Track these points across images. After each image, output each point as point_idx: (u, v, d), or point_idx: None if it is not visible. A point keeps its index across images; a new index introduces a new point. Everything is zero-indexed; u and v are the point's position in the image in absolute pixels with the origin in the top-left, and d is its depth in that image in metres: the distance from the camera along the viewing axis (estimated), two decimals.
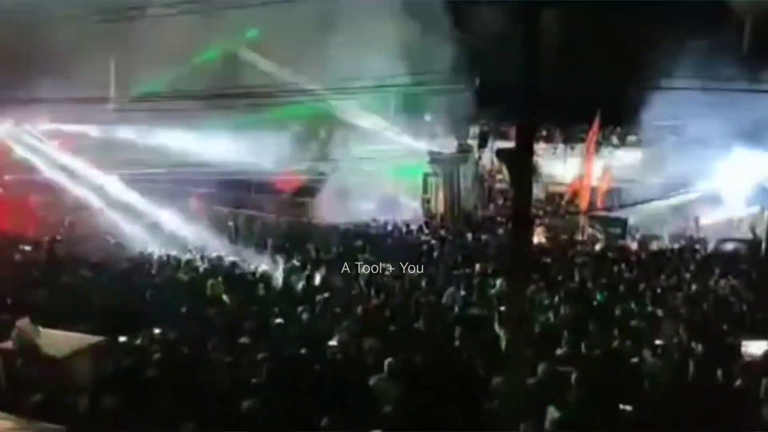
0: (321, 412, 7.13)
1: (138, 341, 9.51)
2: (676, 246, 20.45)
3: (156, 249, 17.52)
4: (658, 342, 9.25)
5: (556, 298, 12.13)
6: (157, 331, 9.95)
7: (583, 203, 23.41)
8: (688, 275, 15.07)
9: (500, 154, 22.43)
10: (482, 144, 25.38)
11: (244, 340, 9.52)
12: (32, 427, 6.15)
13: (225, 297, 12.47)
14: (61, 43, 18.54)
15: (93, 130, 22.57)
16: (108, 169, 20.56)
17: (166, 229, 18.76)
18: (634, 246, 20.31)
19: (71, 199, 20.41)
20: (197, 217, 20.84)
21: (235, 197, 25.48)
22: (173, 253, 16.90)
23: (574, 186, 24.81)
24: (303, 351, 9.01)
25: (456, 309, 11.69)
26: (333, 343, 9.43)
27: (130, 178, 20.53)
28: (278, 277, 14.28)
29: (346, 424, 6.90)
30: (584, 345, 9.10)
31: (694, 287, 13.77)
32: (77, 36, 18.11)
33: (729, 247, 19.97)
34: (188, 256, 16.63)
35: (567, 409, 7.09)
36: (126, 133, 22.66)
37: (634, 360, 8.66)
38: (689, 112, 19.35)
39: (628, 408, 7.11)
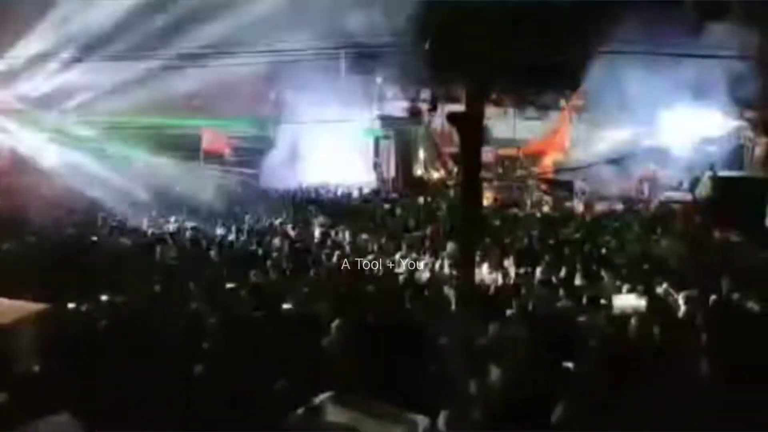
0: (275, 375, 7.17)
1: (83, 308, 9.35)
2: (620, 207, 21.03)
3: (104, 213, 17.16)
4: (602, 301, 9.51)
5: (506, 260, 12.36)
6: (104, 297, 9.81)
7: (539, 166, 23.84)
8: (631, 236, 15.49)
9: (451, 117, 22.47)
10: (433, 107, 25.43)
11: (194, 305, 9.48)
12: None
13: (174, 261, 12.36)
14: None
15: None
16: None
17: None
18: (580, 208, 20.78)
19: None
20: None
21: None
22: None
23: (528, 149, 25.19)
24: (256, 314, 9.01)
25: (406, 272, 11.81)
26: (287, 306, 9.46)
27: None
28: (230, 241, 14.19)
29: (300, 386, 6.95)
30: (531, 305, 9.34)
31: (636, 247, 14.19)
32: None
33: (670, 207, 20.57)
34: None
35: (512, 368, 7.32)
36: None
37: (580, 319, 8.90)
38: (632, 75, 19.73)
39: (570, 365, 7.29)
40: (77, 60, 19.19)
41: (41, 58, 19.43)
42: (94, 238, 14.58)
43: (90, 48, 19.20)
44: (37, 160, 19.74)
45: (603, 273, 11.67)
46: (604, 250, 13.88)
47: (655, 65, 18.04)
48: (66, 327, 8.45)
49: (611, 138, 22.91)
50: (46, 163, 19.73)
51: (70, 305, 9.39)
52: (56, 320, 8.62)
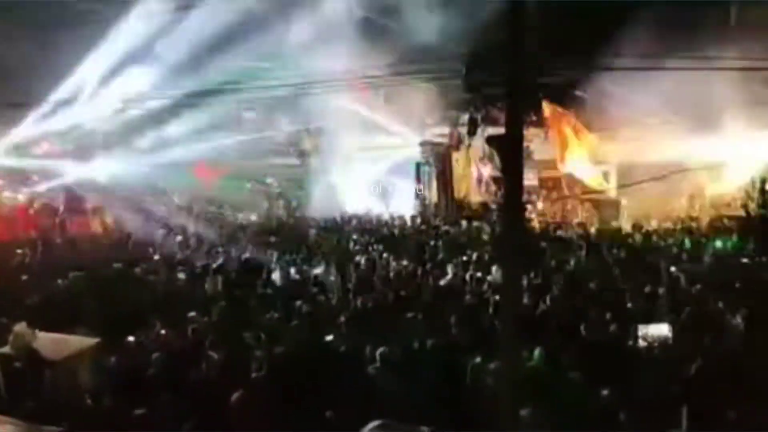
0: (323, 405, 7.17)
1: (134, 341, 9.53)
2: (670, 226, 20.54)
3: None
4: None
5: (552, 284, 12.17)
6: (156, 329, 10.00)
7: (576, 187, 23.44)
8: (685, 256, 15.07)
9: (491, 140, 22.40)
10: (472, 131, 25.35)
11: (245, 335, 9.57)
12: (32, 430, 6.14)
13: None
14: None
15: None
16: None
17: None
18: (628, 227, 20.36)
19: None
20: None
21: None
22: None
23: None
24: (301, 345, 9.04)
25: (452, 297, 11.70)
26: (329, 338, 9.48)
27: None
28: (276, 273, 14.28)
29: (347, 416, 6.93)
30: (583, 329, 9.16)
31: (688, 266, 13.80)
32: None
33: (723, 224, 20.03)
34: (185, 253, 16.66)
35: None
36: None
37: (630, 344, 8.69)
38: (678, 89, 19.40)
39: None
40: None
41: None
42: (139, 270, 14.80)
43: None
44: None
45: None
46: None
47: (701, 78, 17.65)
48: (118, 360, 8.57)
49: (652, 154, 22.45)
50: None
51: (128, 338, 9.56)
52: (108, 354, 8.81)
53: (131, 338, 9.63)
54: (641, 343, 8.53)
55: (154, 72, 20.60)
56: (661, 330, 8.77)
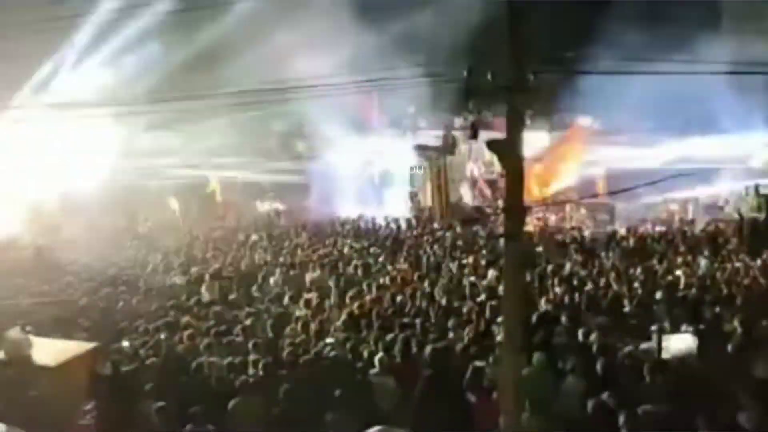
0: (322, 408, 7.14)
1: (128, 345, 9.47)
2: (663, 229, 20.62)
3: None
4: (652, 328, 9.23)
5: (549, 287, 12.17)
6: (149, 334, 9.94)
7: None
8: (679, 259, 15.09)
9: (491, 145, 22.37)
10: (473, 135, 25.26)
11: (238, 339, 9.53)
12: None
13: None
14: None
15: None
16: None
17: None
18: (622, 231, 20.40)
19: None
20: None
21: None
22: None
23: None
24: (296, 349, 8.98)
25: (448, 302, 11.65)
26: (329, 340, 9.43)
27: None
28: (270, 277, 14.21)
29: (346, 420, 6.91)
30: (581, 334, 9.13)
31: (683, 270, 13.81)
32: None
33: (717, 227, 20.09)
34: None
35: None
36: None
37: (628, 348, 8.65)
38: (671, 93, 19.51)
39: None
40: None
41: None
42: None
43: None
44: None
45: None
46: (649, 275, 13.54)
47: (694, 82, 17.72)
48: (114, 365, 8.49)
49: (652, 158, 22.59)
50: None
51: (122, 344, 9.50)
52: (103, 359, 8.73)
53: (126, 343, 9.59)
54: (665, 355, 8.45)
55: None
56: (685, 341, 8.69)
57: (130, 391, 7.79)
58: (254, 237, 19.91)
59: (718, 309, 10.29)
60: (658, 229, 20.82)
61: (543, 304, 11.02)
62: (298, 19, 21.74)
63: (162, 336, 9.83)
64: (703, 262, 14.58)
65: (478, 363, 7.98)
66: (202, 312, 11.42)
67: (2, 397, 7.77)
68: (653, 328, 9.17)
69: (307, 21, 21.76)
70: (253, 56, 20.68)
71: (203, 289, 13.30)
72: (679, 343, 8.63)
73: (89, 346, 8.71)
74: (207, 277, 13.98)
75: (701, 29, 20.18)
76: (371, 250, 17.27)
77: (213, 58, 21.36)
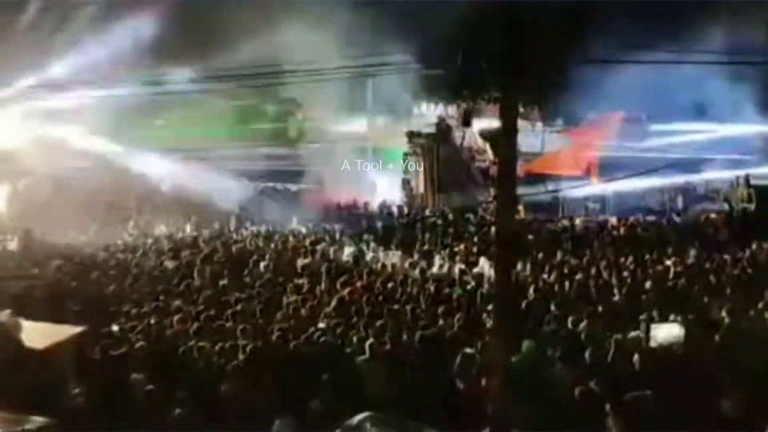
0: (310, 394, 7.15)
1: (117, 330, 9.44)
2: (654, 218, 20.70)
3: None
4: (641, 317, 9.29)
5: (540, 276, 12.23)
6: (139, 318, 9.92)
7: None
8: (670, 249, 15.15)
9: (485, 133, 22.40)
10: (466, 123, 25.22)
11: (228, 324, 9.52)
12: (19, 419, 6.06)
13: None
14: None
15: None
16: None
17: None
18: (613, 220, 20.48)
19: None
20: None
21: None
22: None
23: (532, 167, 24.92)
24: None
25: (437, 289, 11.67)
26: (321, 325, 9.45)
27: None
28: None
29: (335, 406, 6.92)
30: (570, 322, 9.18)
31: (673, 260, 13.88)
32: None
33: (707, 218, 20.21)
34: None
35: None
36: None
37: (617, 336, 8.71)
38: (661, 84, 19.58)
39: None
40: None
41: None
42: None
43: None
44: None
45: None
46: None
47: (681, 72, 17.72)
48: (104, 349, 8.47)
49: (642, 148, 22.66)
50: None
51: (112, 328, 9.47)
52: (92, 343, 8.71)
53: (115, 327, 9.56)
54: (652, 344, 8.50)
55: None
56: (672, 331, 8.71)
57: (119, 375, 7.77)
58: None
59: (706, 299, 10.38)
60: (648, 218, 20.86)
61: (533, 293, 11.08)
62: (295, 3, 21.66)
63: (152, 320, 9.81)
64: (692, 252, 14.65)
65: (468, 350, 8.02)
66: (193, 296, 11.38)
67: None
68: (642, 317, 9.26)
69: (304, 5, 21.66)
70: (249, 41, 20.59)
71: (194, 273, 13.26)
72: (666, 332, 8.67)
73: (79, 329, 8.69)
74: (198, 261, 13.94)
75: (696, 18, 20.20)
76: (363, 236, 17.29)
77: (208, 43, 21.20)
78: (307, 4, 21.69)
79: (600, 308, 10.07)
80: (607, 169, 22.97)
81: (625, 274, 12.61)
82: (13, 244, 16.56)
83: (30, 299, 10.72)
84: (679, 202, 23.46)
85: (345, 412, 6.51)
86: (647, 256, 14.27)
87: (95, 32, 20.89)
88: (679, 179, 22.97)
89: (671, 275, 12.47)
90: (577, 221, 20.54)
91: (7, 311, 8.53)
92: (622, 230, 18.33)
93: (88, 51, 20.87)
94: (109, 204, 21.58)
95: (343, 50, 19.52)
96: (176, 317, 9.71)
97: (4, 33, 18.91)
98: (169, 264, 14.19)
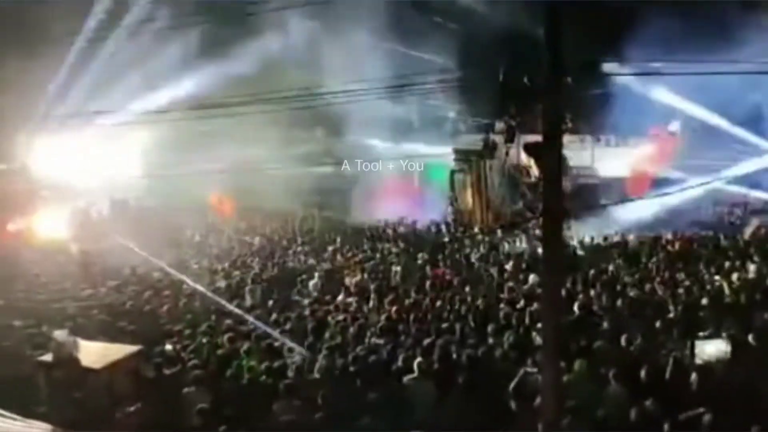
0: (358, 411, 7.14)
1: (171, 348, 9.62)
2: (710, 233, 20.05)
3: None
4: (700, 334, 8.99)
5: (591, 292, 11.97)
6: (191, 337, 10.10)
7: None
8: (727, 264, 14.63)
9: (528, 148, 22.09)
10: (509, 139, 25.02)
11: (278, 344, 9.60)
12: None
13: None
14: None
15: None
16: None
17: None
18: (668, 235, 19.92)
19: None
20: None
21: None
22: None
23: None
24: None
25: (487, 307, 11.54)
26: (371, 342, 9.46)
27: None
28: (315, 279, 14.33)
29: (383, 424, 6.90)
30: (624, 339, 8.96)
31: (735, 276, 13.38)
32: None
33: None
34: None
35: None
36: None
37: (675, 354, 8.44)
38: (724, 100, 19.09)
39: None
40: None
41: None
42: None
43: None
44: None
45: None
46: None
47: (740, 81, 17.20)
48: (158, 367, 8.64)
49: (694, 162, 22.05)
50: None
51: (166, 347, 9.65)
52: (147, 361, 8.89)
53: (169, 346, 9.74)
54: (698, 361, 8.22)
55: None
56: (718, 347, 8.44)
57: (172, 393, 7.91)
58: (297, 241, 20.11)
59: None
60: (704, 233, 20.21)
61: (578, 309, 10.84)
62: (339, 28, 21.92)
63: (204, 340, 9.96)
64: (752, 267, 14.12)
65: (529, 369, 7.88)
66: (244, 316, 11.53)
67: (49, 398, 8.00)
68: (700, 334, 8.96)
69: (347, 29, 21.90)
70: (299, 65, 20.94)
71: (245, 293, 13.44)
72: (712, 348, 8.37)
73: (133, 348, 8.89)
74: (249, 281, 14.13)
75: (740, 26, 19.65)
76: (412, 254, 17.24)
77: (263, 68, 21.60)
78: (352, 25, 21.94)
79: (657, 324, 9.80)
80: (661, 183, 22.43)
81: (681, 290, 12.23)
82: (72, 265, 17.04)
83: (87, 319, 11.02)
84: (737, 216, 22.73)
85: (393, 430, 6.47)
86: (704, 272, 13.83)
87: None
88: (737, 192, 22.33)
89: (728, 291, 12.03)
90: (631, 237, 20.06)
91: (66, 331, 8.78)
92: (677, 245, 17.79)
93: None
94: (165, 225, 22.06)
95: (390, 70, 19.62)
96: (227, 336, 9.85)
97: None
98: (220, 284, 14.41)
